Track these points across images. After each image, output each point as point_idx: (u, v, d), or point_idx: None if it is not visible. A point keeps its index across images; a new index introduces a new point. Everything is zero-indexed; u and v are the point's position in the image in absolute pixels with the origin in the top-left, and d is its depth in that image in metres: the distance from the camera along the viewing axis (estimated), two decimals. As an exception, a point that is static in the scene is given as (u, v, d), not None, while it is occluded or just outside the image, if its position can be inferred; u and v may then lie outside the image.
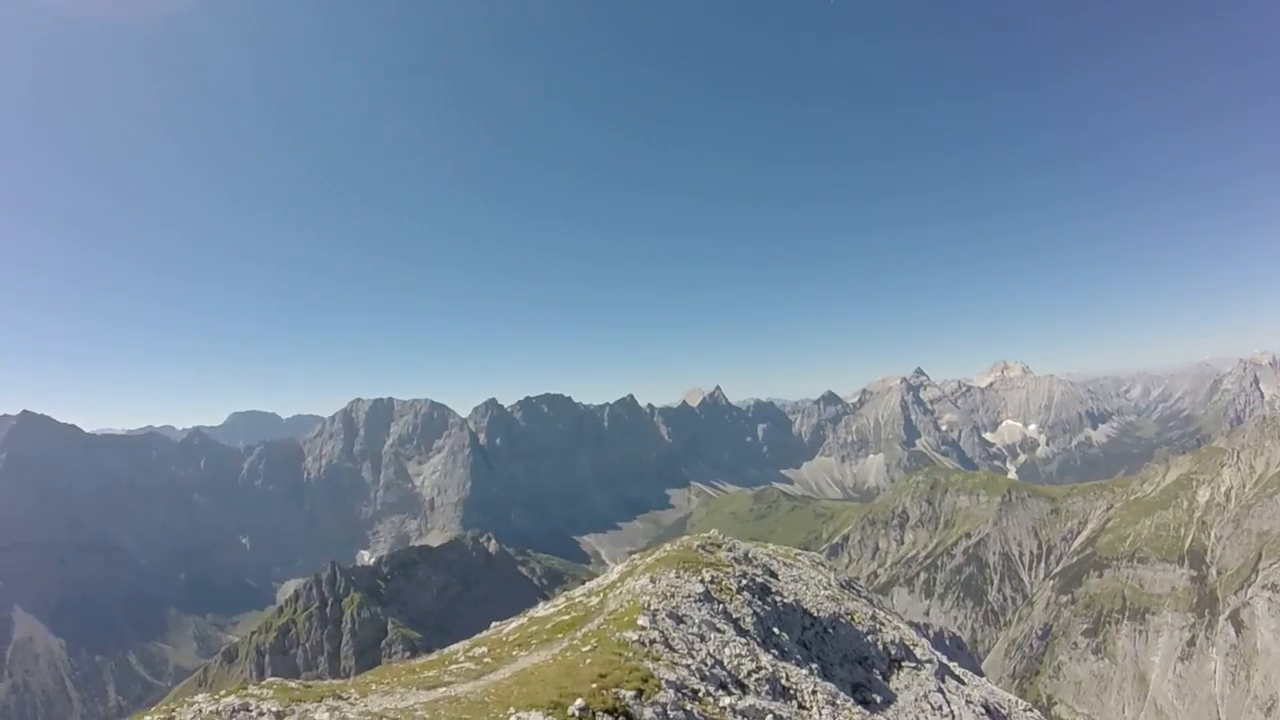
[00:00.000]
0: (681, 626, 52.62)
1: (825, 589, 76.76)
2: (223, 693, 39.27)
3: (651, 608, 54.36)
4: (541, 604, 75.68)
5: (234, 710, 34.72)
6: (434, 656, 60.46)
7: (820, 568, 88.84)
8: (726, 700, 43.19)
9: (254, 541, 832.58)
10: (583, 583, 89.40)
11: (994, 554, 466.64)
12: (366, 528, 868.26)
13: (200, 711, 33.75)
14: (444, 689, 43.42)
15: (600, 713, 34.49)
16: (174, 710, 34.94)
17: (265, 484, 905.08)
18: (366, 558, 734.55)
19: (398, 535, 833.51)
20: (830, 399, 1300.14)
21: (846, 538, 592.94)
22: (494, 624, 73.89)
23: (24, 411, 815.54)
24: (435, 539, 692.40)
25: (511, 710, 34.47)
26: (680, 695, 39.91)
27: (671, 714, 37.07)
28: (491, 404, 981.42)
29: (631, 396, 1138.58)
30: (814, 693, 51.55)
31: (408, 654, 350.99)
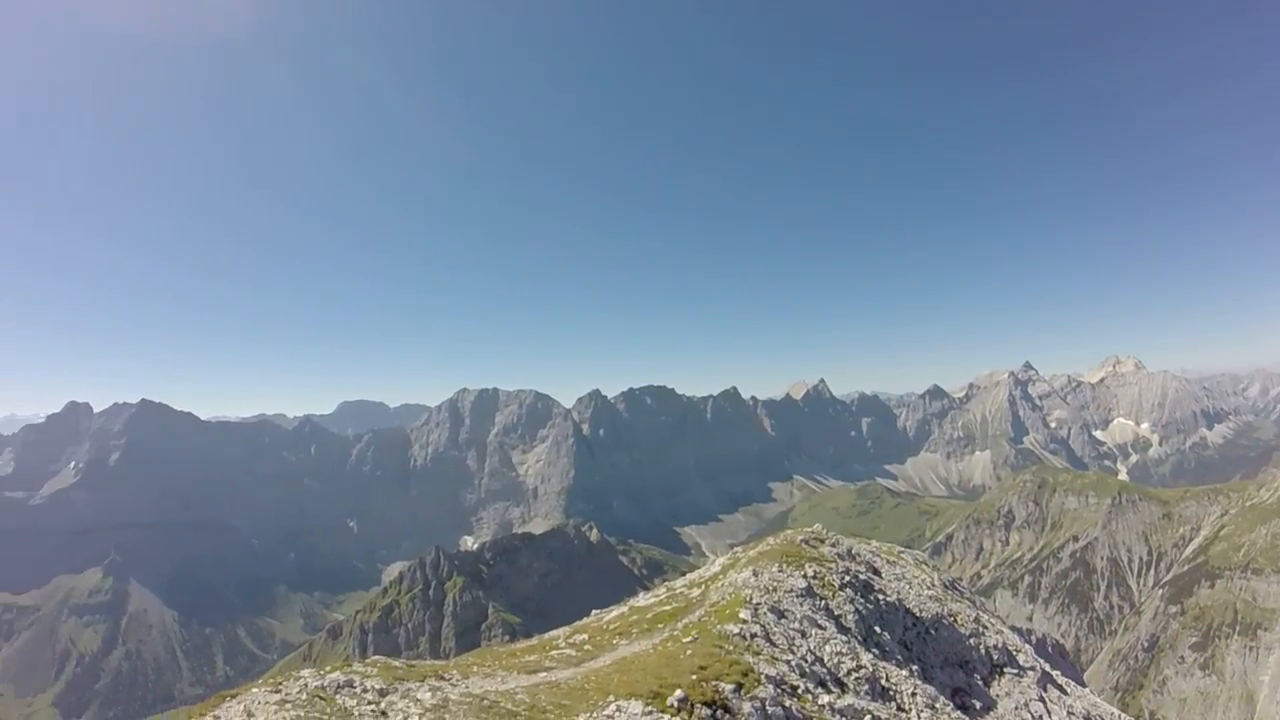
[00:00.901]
0: (783, 621, 52.22)
1: (928, 589, 75.34)
2: (328, 668, 40.09)
3: (753, 601, 54.01)
4: (642, 594, 75.67)
5: (339, 686, 35.47)
6: (534, 641, 60.86)
7: (923, 567, 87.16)
8: (825, 698, 42.74)
9: (361, 525, 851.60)
10: (683, 574, 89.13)
11: (1101, 559, 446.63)
12: (470, 514, 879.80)
13: (306, 685, 34.54)
14: (544, 674, 43.70)
15: (699, 704, 34.41)
16: (281, 683, 35.84)
17: (373, 470, 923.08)
18: (470, 543, 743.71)
19: (501, 522, 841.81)
20: (936, 393, 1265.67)
21: (950, 537, 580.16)
22: (594, 612, 73.97)
23: (143, 400, 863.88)
24: (538, 527, 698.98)
25: (611, 698, 34.55)
26: (779, 691, 39.68)
27: (770, 709, 36.81)
28: (595, 395, 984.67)
29: (735, 389, 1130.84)
30: (913, 695, 50.67)
31: (507, 638, 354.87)
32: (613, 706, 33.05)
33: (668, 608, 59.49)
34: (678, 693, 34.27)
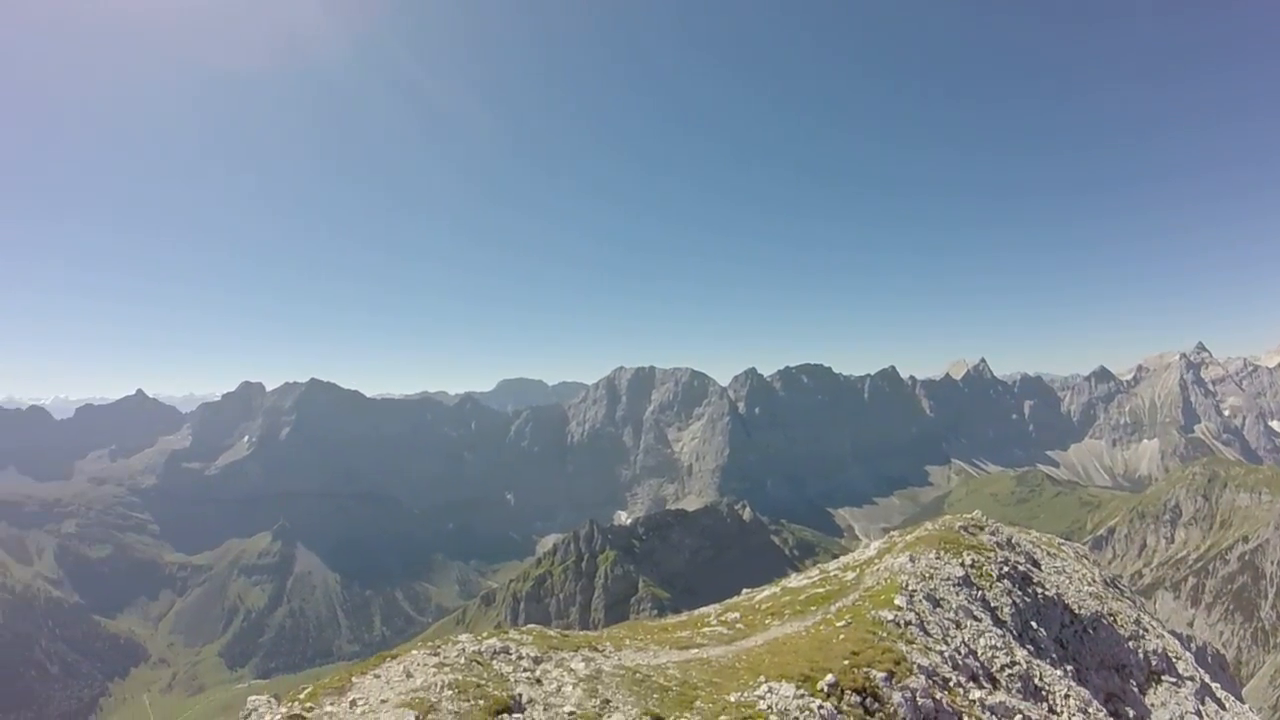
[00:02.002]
0: (938, 610, 51.43)
1: (1088, 585, 72.74)
2: (485, 634, 41.15)
3: (909, 588, 53.28)
4: (794, 574, 75.26)
5: (495, 651, 36.43)
6: (685, 617, 61.23)
7: (1084, 561, 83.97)
8: (976, 694, 42.00)
9: (518, 498, 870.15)
10: (834, 556, 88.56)
11: (1272, 563, 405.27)
12: (625, 489, 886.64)
13: (464, 650, 35.59)
14: (696, 650, 44.03)
15: (850, 691, 34.31)
16: (440, 646, 37.01)
17: (531, 445, 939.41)
18: (624, 518, 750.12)
19: (655, 498, 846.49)
20: (1102, 375, 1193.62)
21: (1112, 530, 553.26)
22: (745, 590, 73.94)
23: (312, 380, 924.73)
24: (691, 504, 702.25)
25: (762, 678, 34.71)
26: (931, 682, 39.21)
27: (920, 701, 36.44)
28: (751, 373, 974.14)
29: (893, 368, 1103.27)
30: (1066, 697, 49.13)
31: (655, 612, 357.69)
32: (764, 687, 33.20)
33: (821, 590, 59.16)
34: (829, 677, 34.20)
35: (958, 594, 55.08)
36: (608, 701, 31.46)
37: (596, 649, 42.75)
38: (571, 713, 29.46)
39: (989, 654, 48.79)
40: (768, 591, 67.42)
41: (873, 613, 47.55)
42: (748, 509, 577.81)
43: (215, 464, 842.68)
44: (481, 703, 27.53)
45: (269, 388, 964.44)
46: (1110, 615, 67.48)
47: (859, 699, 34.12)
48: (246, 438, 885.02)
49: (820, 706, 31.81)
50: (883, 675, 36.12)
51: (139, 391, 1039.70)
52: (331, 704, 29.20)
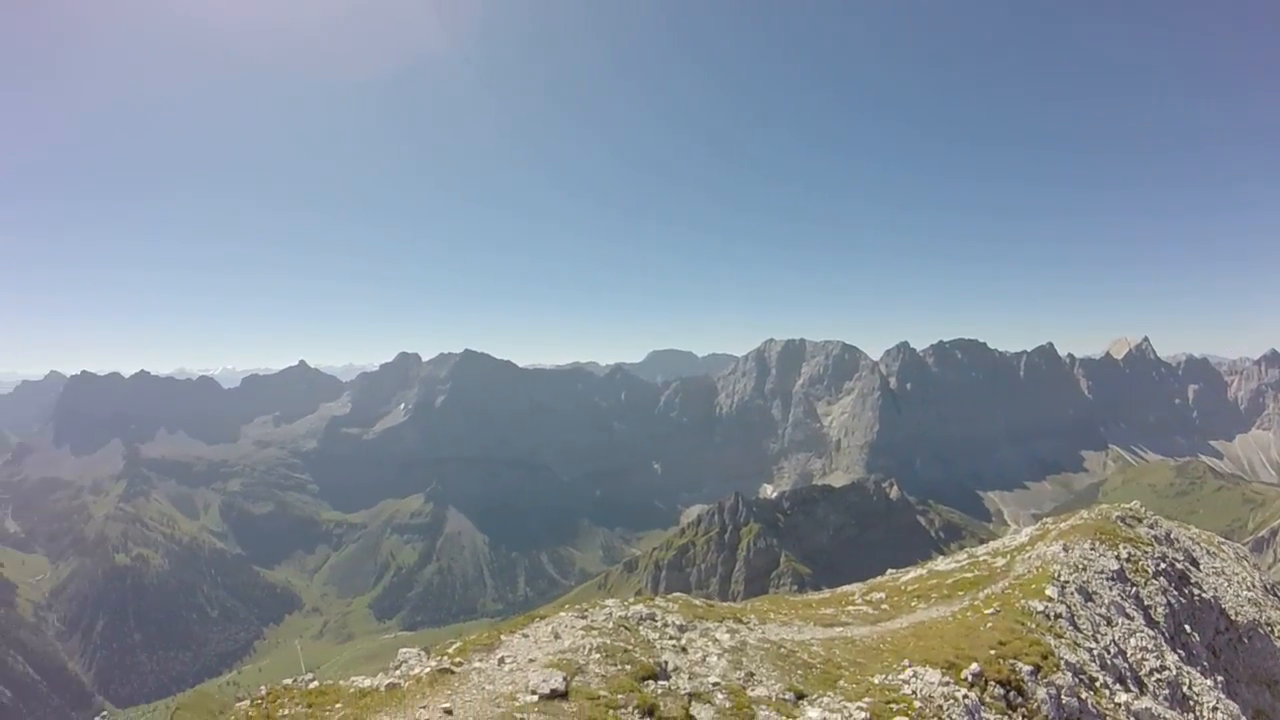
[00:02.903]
0: (1090, 605, 50.39)
1: (1247, 590, 69.89)
2: (631, 600, 42.26)
3: (1061, 579, 52.37)
4: (940, 557, 74.82)
5: (641, 617, 37.45)
6: (828, 594, 61.51)
7: (1244, 563, 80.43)
8: (1123, 697, 40.97)
9: (665, 468, 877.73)
10: (980, 541, 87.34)
11: None
12: (772, 463, 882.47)
13: (611, 614, 36.72)
14: (840, 629, 44.39)
15: (994, 682, 34.15)
16: (587, 609, 38.25)
17: (679, 416, 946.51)
18: (769, 491, 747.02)
19: (801, 473, 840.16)
20: (1273, 359, 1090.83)
21: (1275, 532, 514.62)
22: (890, 571, 73.80)
23: (466, 350, 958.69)
24: (838, 480, 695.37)
25: (906, 662, 34.84)
26: (1077, 681, 38.64)
27: (1065, 700, 35.96)
28: (903, 347, 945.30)
29: (1050, 345, 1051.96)
30: (1214, 709, 47.18)
31: (795, 587, 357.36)
32: (909, 671, 33.30)
33: (969, 575, 58.78)
34: (973, 666, 34.11)
35: (1111, 589, 53.85)
36: (752, 674, 32.01)
37: (741, 621, 43.46)
38: (716, 683, 30.04)
39: (1139, 656, 47.60)
40: (914, 573, 67.31)
41: (1022, 602, 47.04)
42: (895, 487, 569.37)
43: (373, 429, 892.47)
44: (628, 668, 28.54)
45: (425, 358, 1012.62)
46: (1268, 625, 64.93)
47: (1002, 691, 33.92)
48: (403, 405, 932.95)
49: (965, 696, 31.76)
50: (1028, 669, 35.78)
51: (301, 362, 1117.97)
52: (480, 660, 30.42)
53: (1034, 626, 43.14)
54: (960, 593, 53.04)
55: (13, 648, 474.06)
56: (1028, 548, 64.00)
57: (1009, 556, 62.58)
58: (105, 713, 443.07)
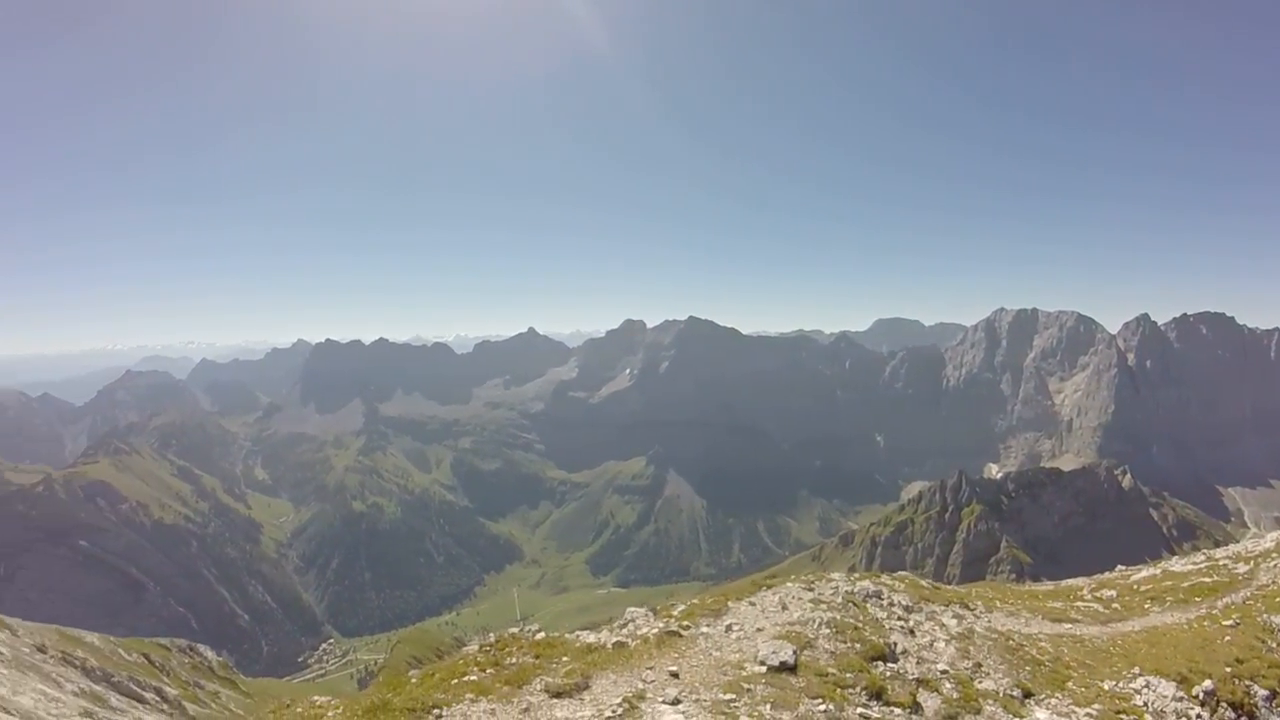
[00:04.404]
0: (1343, 627, 47.33)
1: None
2: (857, 575, 43.04)
3: (1312, 593, 49.58)
4: (1174, 557, 72.40)
5: (868, 594, 38.17)
6: (1052, 586, 60.62)
7: None
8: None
9: (887, 440, 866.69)
10: (1216, 542, 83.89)
11: None
12: (999, 441, 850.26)
13: (838, 589, 37.60)
14: (1069, 625, 43.90)
15: (1225, 704, 32.72)
16: (814, 581, 39.23)
17: (905, 388, 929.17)
18: (994, 471, 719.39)
19: (1029, 453, 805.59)
20: None
21: None
22: (1120, 567, 71.97)
23: (690, 317, 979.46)
24: (1067, 463, 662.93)
25: (1137, 669, 34.24)
26: (1319, 716, 36.13)
27: (1297, 733, 34.00)
28: (1143, 320, 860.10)
29: None
30: None
31: (1013, 576, 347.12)
32: (1140, 680, 32.68)
33: (1207, 580, 56.78)
34: (1206, 683, 32.96)
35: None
36: (979, 665, 32.18)
37: (967, 607, 43.50)
38: (945, 670, 30.36)
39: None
40: (1146, 572, 65.62)
41: (1264, 616, 44.65)
42: (1128, 475, 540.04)
43: (598, 393, 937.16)
44: (858, 646, 29.22)
45: (650, 325, 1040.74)
46: None
47: (1234, 715, 32.38)
48: (628, 370, 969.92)
49: (1198, 715, 30.96)
50: (1264, 693, 34.05)
51: (530, 329, 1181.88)
52: (708, 625, 31.69)
53: (1275, 645, 40.92)
54: (1196, 599, 51.19)
55: (255, 578, 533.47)
56: (1274, 555, 61.11)
57: (1252, 563, 59.83)
58: (332, 640, 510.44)
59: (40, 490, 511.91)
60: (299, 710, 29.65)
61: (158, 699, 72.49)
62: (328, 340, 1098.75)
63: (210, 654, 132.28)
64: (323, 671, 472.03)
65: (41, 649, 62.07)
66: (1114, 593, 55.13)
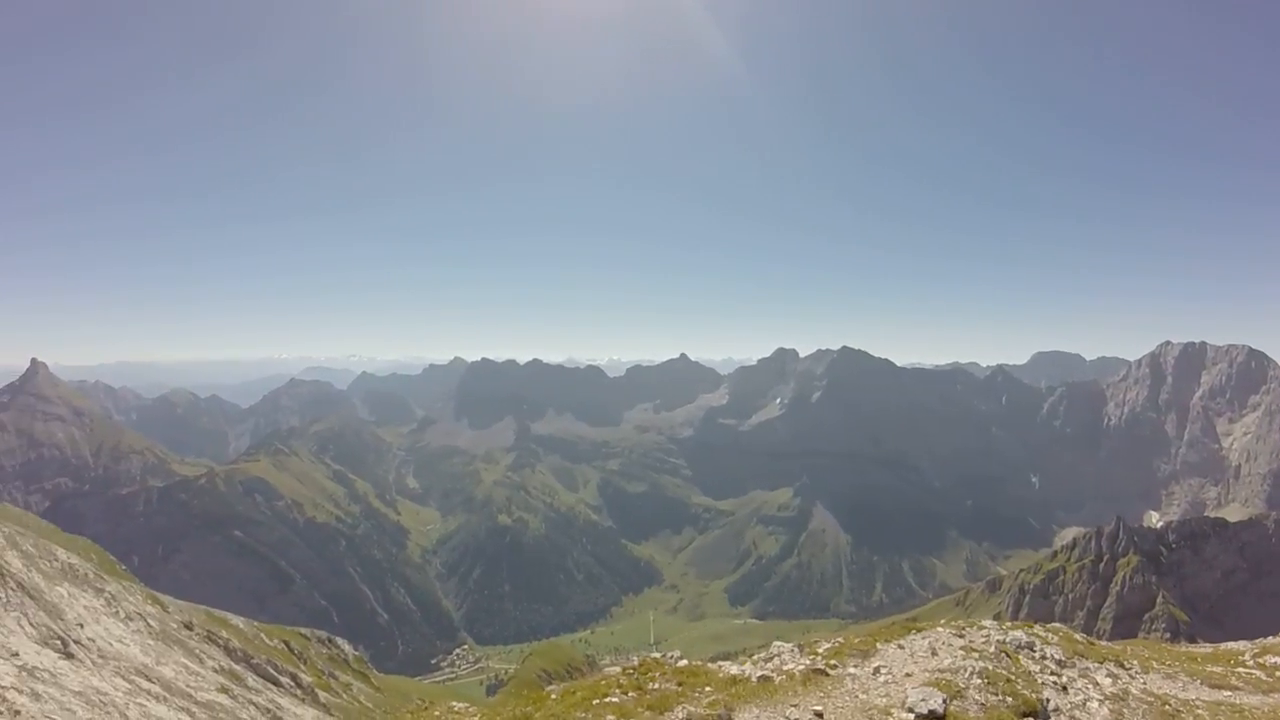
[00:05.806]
0: None
1: None
2: (1009, 625, 42.42)
3: None
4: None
5: (1020, 645, 37.65)
6: (1211, 649, 58.44)
7: None
8: None
9: (1043, 481, 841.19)
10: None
11: None
12: (1161, 486, 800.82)
13: (990, 637, 37.19)
14: (1228, 693, 42.30)
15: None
16: (964, 628, 38.86)
17: (1063, 425, 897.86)
18: (1155, 519, 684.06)
19: (1193, 501, 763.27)
20: None
21: None
22: (1288, 631, 68.80)
23: (844, 347, 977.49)
24: (1233, 513, 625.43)
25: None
26: None
27: None
28: None
29: None
30: None
31: (1168, 635, 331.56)
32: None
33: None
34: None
35: None
36: (1133, 729, 31.26)
37: (1123, 665, 42.38)
38: (1097, 732, 29.59)
39: None
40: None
41: None
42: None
43: (748, 421, 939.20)
44: (1009, 699, 28.08)
45: (802, 353, 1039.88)
46: None
47: None
48: (779, 399, 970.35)
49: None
50: None
51: (682, 355, 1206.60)
52: (855, 666, 31.72)
53: None
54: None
55: (398, 581, 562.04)
56: None
57: None
58: (466, 645, 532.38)
59: (202, 482, 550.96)
60: (436, 714, 30.81)
61: (292, 684, 75.98)
62: (484, 359, 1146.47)
63: (347, 647, 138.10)
64: (454, 675, 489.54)
65: (188, 626, 65.58)
66: (1279, 660, 53.00)
